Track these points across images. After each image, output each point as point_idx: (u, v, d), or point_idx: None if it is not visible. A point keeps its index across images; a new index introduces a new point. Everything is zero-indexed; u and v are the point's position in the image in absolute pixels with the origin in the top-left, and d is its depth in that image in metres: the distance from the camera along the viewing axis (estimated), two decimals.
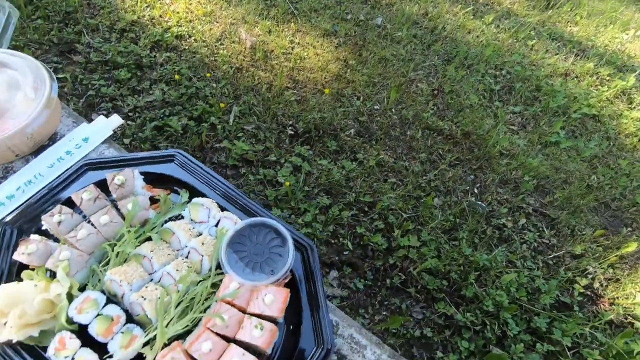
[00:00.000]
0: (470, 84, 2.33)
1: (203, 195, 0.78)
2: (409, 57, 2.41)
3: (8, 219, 0.70)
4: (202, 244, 0.69)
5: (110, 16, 2.20)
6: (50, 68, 0.88)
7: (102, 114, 1.84)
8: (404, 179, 1.88)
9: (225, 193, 0.79)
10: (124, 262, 0.67)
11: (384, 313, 1.52)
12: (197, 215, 0.73)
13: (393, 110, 2.14)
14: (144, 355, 0.60)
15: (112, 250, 0.67)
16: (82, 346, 0.60)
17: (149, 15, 2.25)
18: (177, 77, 1.98)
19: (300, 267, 0.73)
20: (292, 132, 1.93)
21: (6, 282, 0.65)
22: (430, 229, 1.70)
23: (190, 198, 0.76)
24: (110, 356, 0.60)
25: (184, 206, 0.75)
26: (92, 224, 0.68)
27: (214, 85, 2.02)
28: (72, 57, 2.03)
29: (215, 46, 2.19)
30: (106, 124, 0.84)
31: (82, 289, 0.65)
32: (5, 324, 0.59)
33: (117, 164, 0.78)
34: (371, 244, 1.63)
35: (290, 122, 1.95)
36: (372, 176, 1.86)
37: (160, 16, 2.26)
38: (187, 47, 2.16)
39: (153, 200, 0.76)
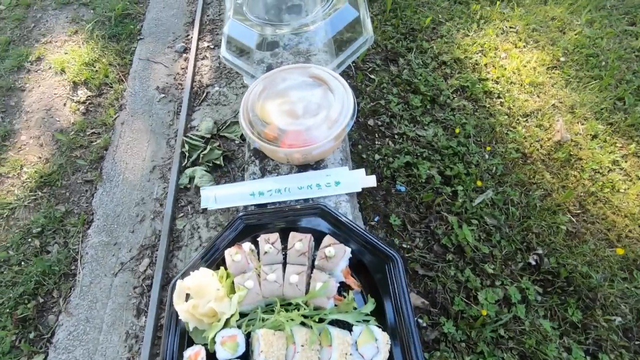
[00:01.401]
0: None
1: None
2: None
3: (245, 216, 0.81)
4: None
5: (442, 46, 2.26)
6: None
7: (378, 124, 1.97)
8: None
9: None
10: (276, 328, 0.65)
11: None
12: (363, 345, 0.62)
13: None
14: None
15: (276, 312, 0.66)
16: None
17: (475, 59, 2.18)
18: (457, 130, 1.86)
19: None
20: (532, 262, 1.51)
21: (215, 260, 0.75)
22: None
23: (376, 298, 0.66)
24: None
25: (361, 317, 0.66)
26: (284, 272, 0.69)
27: (486, 156, 1.80)
28: (390, 66, 2.23)
29: (518, 120, 1.91)
30: (361, 180, 0.83)
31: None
32: (186, 301, 0.67)
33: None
34: None
35: (540, 251, 1.52)
36: None
37: (485, 65, 2.15)
38: (488, 106, 1.99)
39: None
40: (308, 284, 0.68)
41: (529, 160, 1.77)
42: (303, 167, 0.87)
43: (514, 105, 1.96)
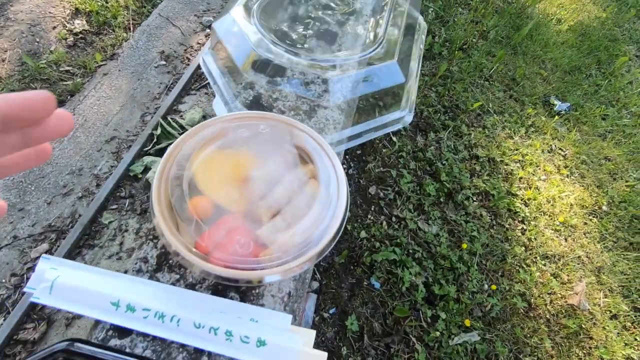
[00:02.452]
0: None
1: None
2: None
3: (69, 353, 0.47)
4: None
5: (482, 138, 1.98)
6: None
7: (380, 195, 1.65)
8: None
9: None
10: None
11: None
12: None
13: None
14: None
15: None
16: None
17: (511, 168, 1.89)
18: (464, 245, 1.54)
19: None
20: None
21: None
22: None
23: None
24: None
25: None
26: None
27: (486, 287, 1.47)
28: (417, 136, 1.93)
29: (535, 259, 1.60)
30: (301, 354, 0.49)
31: None
32: None
33: None
34: None
35: None
36: None
37: (520, 179, 1.86)
38: (507, 227, 1.68)
39: None
40: None
41: (532, 313, 1.44)
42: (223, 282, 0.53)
43: (535, 239, 1.65)
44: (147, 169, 1.63)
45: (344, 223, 0.52)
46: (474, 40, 2.55)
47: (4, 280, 1.31)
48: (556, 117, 2.16)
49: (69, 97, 1.81)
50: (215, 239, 0.46)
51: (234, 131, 0.56)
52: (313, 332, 0.49)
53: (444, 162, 1.82)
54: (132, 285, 0.48)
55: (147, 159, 1.65)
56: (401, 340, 1.32)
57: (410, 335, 1.32)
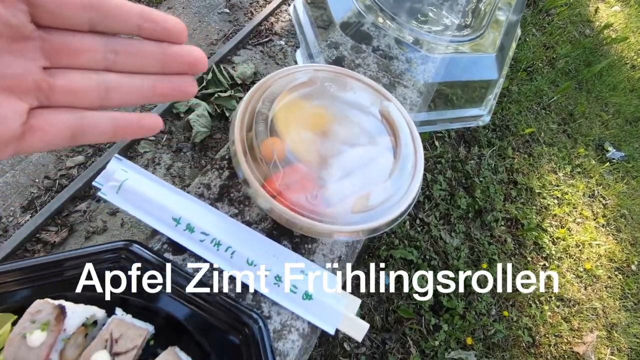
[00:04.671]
0: None
1: None
2: None
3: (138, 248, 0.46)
4: None
5: (524, 165, 1.91)
6: None
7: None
8: None
9: None
10: None
11: None
12: None
13: None
14: None
15: None
16: None
17: (548, 203, 1.83)
18: (484, 265, 1.51)
19: None
20: None
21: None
22: None
23: None
24: None
25: None
26: None
27: (493, 312, 1.44)
28: (460, 146, 1.88)
29: (550, 298, 1.55)
30: (344, 317, 0.48)
31: None
32: None
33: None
34: None
35: None
36: None
37: (554, 216, 1.80)
38: (529, 259, 1.63)
39: None
40: None
41: (534, 350, 1.41)
42: (279, 229, 0.52)
43: (554, 279, 1.60)
44: (190, 110, 1.64)
45: (412, 205, 0.50)
46: (540, 65, 2.44)
47: (37, 180, 1.34)
48: (607, 163, 2.07)
49: None
50: (286, 182, 0.45)
51: (323, 83, 0.54)
52: (358, 301, 0.48)
53: (481, 179, 1.77)
54: (195, 206, 0.47)
55: (192, 100, 1.66)
56: (398, 339, 1.31)
57: (408, 338, 1.31)
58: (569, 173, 1.98)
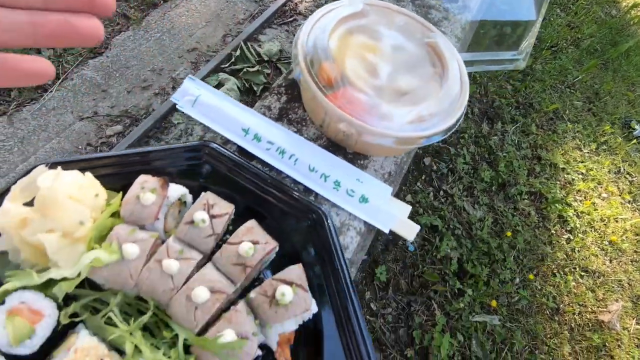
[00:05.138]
0: None
1: None
2: None
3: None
4: None
5: (549, 142, 1.91)
6: None
7: (433, 168, 1.65)
8: None
9: None
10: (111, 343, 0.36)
11: None
12: None
13: None
14: None
15: (135, 323, 0.36)
16: None
17: (572, 177, 1.82)
18: (508, 233, 1.53)
19: None
20: None
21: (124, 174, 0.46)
22: None
23: None
24: None
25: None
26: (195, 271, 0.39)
27: (517, 280, 1.46)
28: (483, 122, 1.89)
29: (574, 269, 1.56)
30: (397, 219, 0.53)
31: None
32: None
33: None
34: None
35: None
36: None
37: (578, 191, 1.79)
38: (553, 232, 1.64)
39: None
40: (220, 314, 0.39)
41: (558, 317, 1.43)
42: (334, 146, 0.57)
43: (579, 252, 1.60)
44: (220, 84, 1.70)
45: (461, 119, 0.54)
46: (565, 44, 2.41)
47: (80, 147, 1.42)
48: (634, 141, 2.04)
49: (162, 1, 1.88)
50: (347, 97, 0.49)
51: (373, 14, 0.58)
52: (409, 207, 0.52)
53: (504, 154, 1.78)
54: (260, 121, 0.52)
55: (222, 76, 1.71)
56: (423, 302, 1.35)
57: (433, 301, 1.35)
58: (594, 150, 1.97)
